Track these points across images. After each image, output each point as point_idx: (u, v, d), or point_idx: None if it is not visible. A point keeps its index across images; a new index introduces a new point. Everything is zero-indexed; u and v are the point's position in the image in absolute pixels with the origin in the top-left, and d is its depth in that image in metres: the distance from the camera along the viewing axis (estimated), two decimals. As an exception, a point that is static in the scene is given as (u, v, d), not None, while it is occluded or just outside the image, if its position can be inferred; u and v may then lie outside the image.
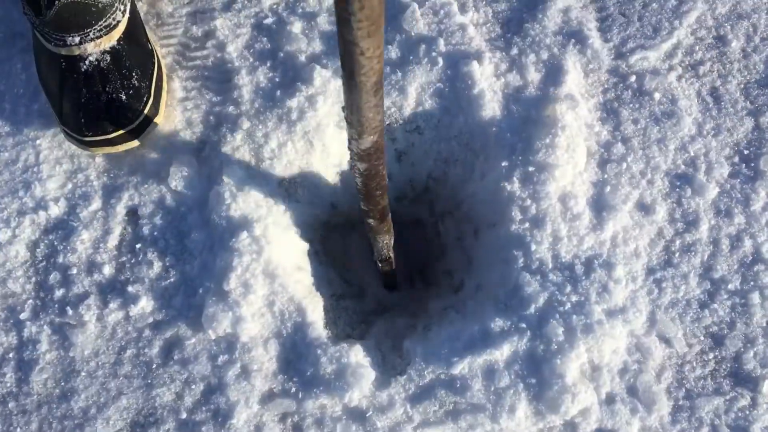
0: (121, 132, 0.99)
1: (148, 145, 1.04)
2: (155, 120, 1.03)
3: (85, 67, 0.99)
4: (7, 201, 1.01)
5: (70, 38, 0.96)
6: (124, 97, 1.00)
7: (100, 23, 0.97)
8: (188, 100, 1.07)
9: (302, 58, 1.08)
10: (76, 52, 0.98)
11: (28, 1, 0.95)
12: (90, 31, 0.97)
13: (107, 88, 0.99)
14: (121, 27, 1.00)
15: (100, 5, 0.96)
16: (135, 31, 1.03)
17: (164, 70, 1.07)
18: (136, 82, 1.01)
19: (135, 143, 1.02)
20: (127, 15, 1.01)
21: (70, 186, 1.03)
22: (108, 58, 1.00)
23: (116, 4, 0.98)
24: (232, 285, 0.96)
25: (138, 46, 1.02)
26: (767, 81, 1.10)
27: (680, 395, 0.96)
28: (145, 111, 1.01)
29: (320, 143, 1.04)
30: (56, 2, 0.93)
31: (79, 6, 0.94)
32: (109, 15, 0.97)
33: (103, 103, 0.98)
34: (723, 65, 1.11)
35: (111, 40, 1.00)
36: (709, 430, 0.95)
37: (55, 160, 1.04)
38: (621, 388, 0.95)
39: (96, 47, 0.99)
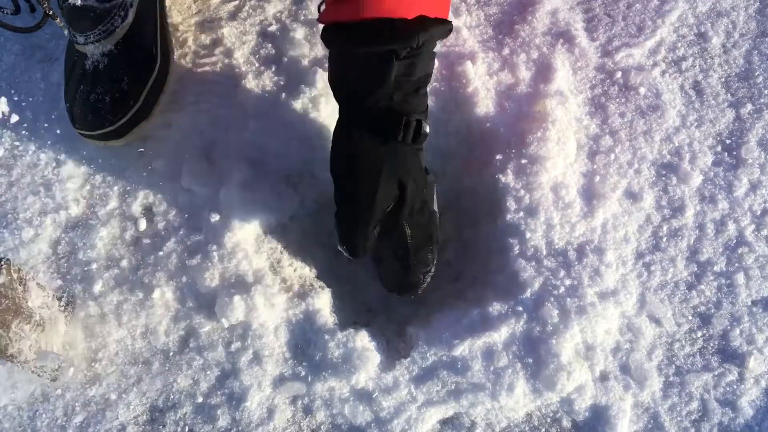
0: (102, 131, 1.07)
1: (161, 148, 1.10)
2: (144, 123, 1.10)
3: (88, 65, 1.07)
4: (30, 201, 1.07)
5: (78, 37, 1.04)
6: (109, 99, 1.06)
7: (98, 27, 1.04)
8: (198, 103, 1.13)
9: (305, 62, 1.14)
10: (83, 51, 1.06)
11: None
12: (90, 35, 1.04)
13: (97, 89, 1.06)
14: (120, 33, 1.06)
15: (98, 11, 1.03)
16: (137, 37, 1.09)
17: (171, 74, 1.13)
18: (126, 86, 1.07)
19: (119, 142, 1.09)
20: (128, 21, 1.07)
21: (88, 187, 1.09)
22: (105, 60, 1.07)
23: (114, 11, 1.04)
24: (242, 277, 1.01)
25: (138, 52, 1.08)
26: (747, 74, 1.16)
27: (671, 372, 1.01)
28: (128, 115, 1.08)
29: (324, 141, 1.10)
30: (64, 5, 1.00)
31: (80, 11, 1.02)
32: (106, 21, 1.04)
33: (90, 102, 1.06)
34: (704, 60, 1.17)
35: (109, 44, 1.06)
36: (699, 404, 0.99)
37: (73, 163, 1.10)
38: (614, 366, 1.00)
39: (96, 49, 1.06)
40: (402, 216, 0.93)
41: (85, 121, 1.06)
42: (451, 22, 0.90)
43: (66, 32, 1.05)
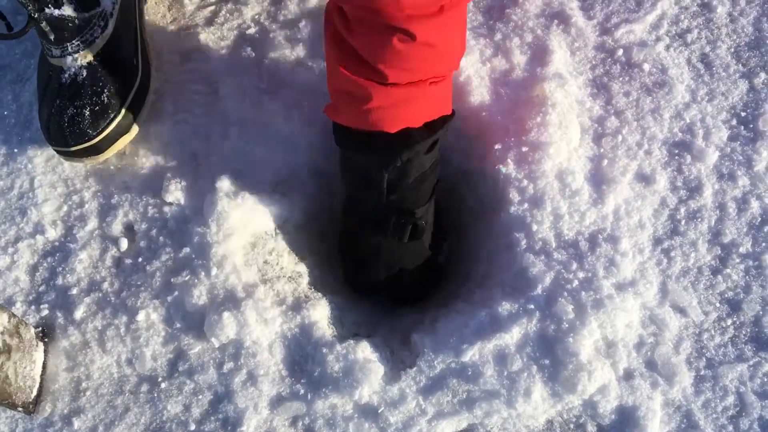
0: (80, 147, 1.00)
1: (141, 161, 1.05)
2: (125, 137, 1.04)
3: (64, 78, 1.01)
4: (5, 228, 1.02)
5: (54, 50, 0.98)
6: (88, 113, 1.00)
7: (77, 39, 0.98)
8: (177, 113, 1.07)
9: (286, 64, 1.09)
10: (59, 64, 0.99)
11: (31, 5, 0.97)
12: (68, 46, 0.98)
13: (75, 103, 1.00)
14: (100, 43, 1.01)
15: (76, 21, 0.98)
16: (119, 47, 1.04)
17: (152, 85, 1.07)
18: (106, 99, 1.01)
19: (99, 158, 1.03)
20: (108, 31, 1.02)
21: (65, 208, 1.03)
22: (84, 72, 1.01)
23: (94, 20, 0.99)
24: (232, 292, 0.95)
25: (119, 62, 1.03)
26: (757, 43, 1.09)
27: (701, 365, 0.93)
28: (109, 129, 1.01)
29: (310, 145, 1.04)
30: (37, 15, 0.94)
31: (58, 21, 0.96)
32: (85, 31, 0.99)
33: (68, 117, 0.99)
34: (711, 31, 1.10)
35: (88, 56, 1.01)
36: (735, 399, 0.91)
37: (49, 184, 1.04)
38: (639, 363, 0.92)
39: (74, 61, 1.00)
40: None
41: (62, 136, 1.00)
42: (451, 117, 0.93)
43: (41, 44, 1.00)
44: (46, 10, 0.95)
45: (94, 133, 1.00)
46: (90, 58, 1.01)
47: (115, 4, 1.03)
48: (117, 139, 1.03)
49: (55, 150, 1.02)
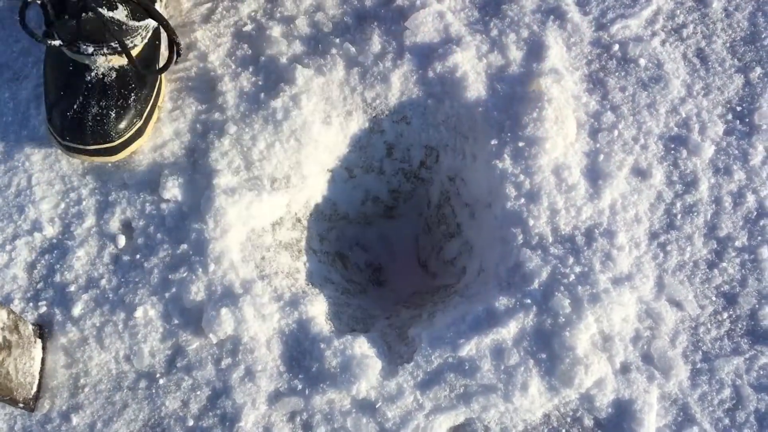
0: (100, 146, 1.00)
1: (138, 158, 1.05)
2: (139, 140, 1.04)
3: (89, 77, 1.00)
4: (2, 225, 1.02)
5: (84, 47, 0.97)
6: (114, 114, 1.00)
7: (117, 42, 0.97)
8: (175, 110, 1.07)
9: (283, 60, 1.09)
10: (86, 61, 0.99)
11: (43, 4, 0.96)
12: (104, 47, 0.97)
13: (101, 103, 0.99)
14: (136, 50, 1.01)
15: (124, 27, 0.97)
16: (149, 58, 1.04)
17: (164, 94, 1.08)
18: (132, 102, 1.01)
19: (112, 159, 1.03)
20: (145, 41, 1.02)
21: (63, 206, 1.03)
22: (114, 74, 1.01)
23: (140, 30, 0.99)
24: (230, 288, 0.95)
25: (147, 69, 1.03)
26: (753, 37, 1.09)
27: (697, 358, 0.93)
28: (130, 132, 1.02)
29: (309, 140, 1.04)
30: (82, 15, 0.93)
31: (108, 22, 0.95)
32: (129, 38, 0.98)
33: (91, 116, 0.99)
34: (706, 26, 1.10)
35: (123, 60, 1.01)
36: (732, 391, 0.92)
37: (46, 182, 1.04)
38: (635, 356, 0.93)
39: (106, 62, 1.00)
40: None
41: (82, 134, 0.99)
42: None
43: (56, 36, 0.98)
44: (100, 10, 0.94)
45: (116, 136, 1.00)
46: (123, 62, 1.00)
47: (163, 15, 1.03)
48: (133, 142, 1.03)
49: (65, 145, 1.01)
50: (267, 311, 0.95)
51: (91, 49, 0.97)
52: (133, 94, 1.02)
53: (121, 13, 0.96)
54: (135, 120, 1.02)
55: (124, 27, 0.97)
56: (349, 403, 0.91)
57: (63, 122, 0.99)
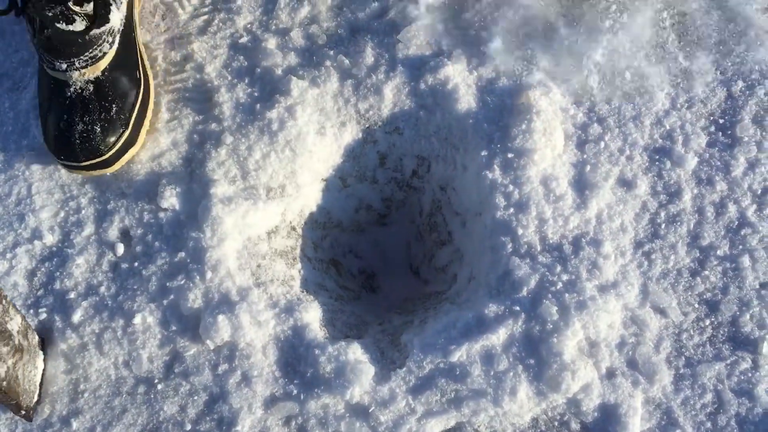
0: (92, 162, 1.02)
1: (137, 168, 1.07)
2: (132, 150, 1.05)
3: (69, 93, 1.02)
4: (3, 234, 1.04)
5: (58, 63, 0.99)
6: (99, 129, 1.02)
7: (86, 54, 1.00)
8: (172, 120, 1.10)
9: (279, 71, 1.11)
10: (63, 77, 1.01)
11: (29, 20, 0.98)
12: (75, 61, 0.99)
13: (85, 119, 1.01)
14: (108, 58, 1.03)
15: (87, 36, 0.99)
16: (124, 60, 1.05)
17: (152, 95, 1.09)
18: (115, 114, 1.03)
19: (108, 171, 1.05)
20: (115, 46, 1.03)
21: (62, 214, 1.05)
22: (91, 87, 1.02)
23: (104, 37, 1.01)
24: (226, 295, 0.97)
25: (124, 76, 1.05)
26: (735, 51, 1.12)
27: (680, 364, 0.96)
28: (119, 144, 1.03)
29: (303, 150, 1.07)
30: (45, 30, 0.96)
31: (66, 35, 0.97)
32: (95, 47, 1.00)
33: (77, 133, 1.01)
34: (689, 40, 1.13)
35: (96, 71, 1.02)
36: (713, 396, 0.94)
37: (46, 190, 1.06)
38: (620, 362, 0.96)
39: (81, 76, 1.01)
40: None
41: (73, 152, 1.01)
42: None
43: (39, 56, 1.01)
44: (57, 25, 0.96)
45: (106, 149, 1.02)
46: (98, 73, 1.02)
47: (122, 19, 1.05)
48: (125, 152, 1.05)
49: (61, 162, 1.03)
50: (263, 318, 0.97)
51: (64, 65, 0.99)
52: (114, 105, 1.03)
53: (79, 25, 0.98)
54: (122, 130, 1.03)
55: (87, 38, 0.98)
56: (343, 407, 0.94)
57: (55, 141, 1.02)
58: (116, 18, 1.03)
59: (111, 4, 1.03)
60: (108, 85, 1.03)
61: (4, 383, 0.85)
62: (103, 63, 1.03)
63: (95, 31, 0.99)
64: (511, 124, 1.05)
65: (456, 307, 1.02)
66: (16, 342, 0.87)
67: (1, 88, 1.14)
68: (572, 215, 1.01)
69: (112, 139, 1.03)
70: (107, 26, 1.01)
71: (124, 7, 1.06)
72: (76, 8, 0.98)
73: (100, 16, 1.00)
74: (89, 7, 0.98)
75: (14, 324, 0.88)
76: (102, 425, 0.95)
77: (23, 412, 0.92)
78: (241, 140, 1.06)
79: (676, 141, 1.06)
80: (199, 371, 0.96)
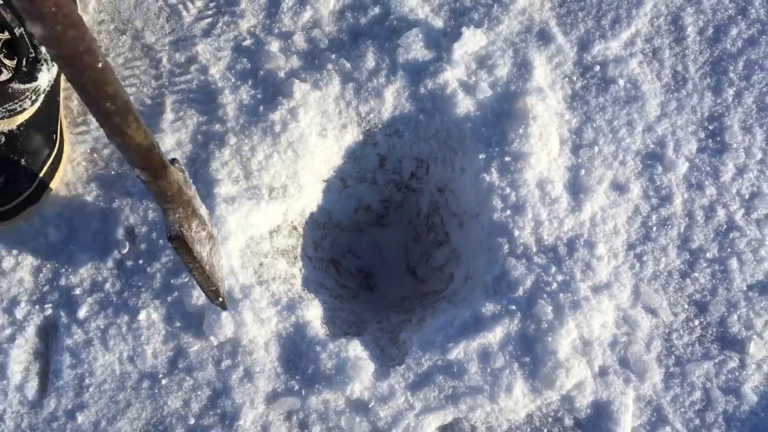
0: None
1: (141, 168, 1.08)
2: (31, 208, 1.05)
3: None
4: (9, 231, 1.05)
5: None
6: (3, 181, 1.01)
7: (5, 106, 0.99)
8: (176, 121, 1.11)
9: (281, 74, 1.13)
10: None
11: None
12: None
13: None
14: (26, 114, 1.03)
15: (9, 90, 0.99)
16: (43, 120, 1.05)
17: (65, 157, 1.09)
18: (23, 169, 1.02)
19: (2, 226, 1.04)
20: (37, 105, 1.03)
21: (68, 212, 1.07)
22: (3, 139, 1.02)
23: (27, 93, 1.01)
24: (230, 292, 0.99)
25: (40, 134, 1.05)
26: (725, 59, 1.16)
27: (671, 362, 0.99)
28: (21, 198, 1.03)
29: (305, 151, 1.09)
30: None
31: None
32: (16, 101, 1.00)
33: None
34: (681, 49, 1.17)
35: (12, 124, 1.03)
36: (702, 394, 0.98)
37: (53, 189, 1.08)
38: (613, 360, 0.99)
39: None
40: None
41: None
42: None
43: None
44: None
45: (6, 201, 1.02)
46: (13, 126, 1.02)
47: (50, 81, 1.05)
48: (24, 209, 1.04)
49: None
50: (265, 315, 0.99)
51: None
52: (22, 161, 1.03)
53: (4, 76, 0.97)
54: (25, 186, 1.03)
55: (9, 90, 0.98)
56: (344, 403, 0.96)
57: None
58: (44, 78, 1.04)
59: (42, 64, 1.03)
60: (20, 140, 1.03)
61: (207, 267, 0.86)
62: (21, 118, 1.03)
63: (18, 86, 0.99)
64: (509, 128, 1.08)
65: (453, 306, 1.04)
66: (209, 228, 0.88)
67: None
68: (567, 218, 1.04)
69: (14, 193, 1.02)
70: (33, 84, 1.01)
71: (54, 70, 1.07)
72: (6, 61, 0.98)
73: (25, 73, 1.00)
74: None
75: (203, 211, 0.89)
76: (107, 419, 0.96)
77: (220, 299, 0.93)
78: (245, 141, 1.08)
79: (667, 146, 1.10)
80: (202, 367, 0.98)
